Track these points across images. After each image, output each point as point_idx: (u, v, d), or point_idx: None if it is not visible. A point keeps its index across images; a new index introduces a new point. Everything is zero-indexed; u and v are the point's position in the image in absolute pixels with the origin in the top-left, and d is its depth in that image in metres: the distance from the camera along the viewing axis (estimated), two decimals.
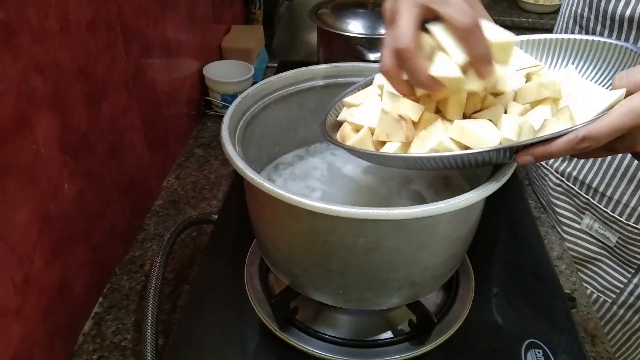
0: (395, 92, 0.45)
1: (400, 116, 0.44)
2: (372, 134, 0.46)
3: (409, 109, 0.45)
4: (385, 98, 0.46)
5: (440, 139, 0.41)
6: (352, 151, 0.46)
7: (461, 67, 0.40)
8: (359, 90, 0.52)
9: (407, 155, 0.43)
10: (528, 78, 0.47)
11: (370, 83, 0.53)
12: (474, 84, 0.42)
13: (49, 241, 0.53)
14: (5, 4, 0.44)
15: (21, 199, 0.48)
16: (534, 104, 0.44)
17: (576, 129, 0.38)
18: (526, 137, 0.40)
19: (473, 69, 0.41)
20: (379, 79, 0.51)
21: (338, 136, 0.49)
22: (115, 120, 0.67)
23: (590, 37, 0.49)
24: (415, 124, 0.45)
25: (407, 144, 0.45)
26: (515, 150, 0.39)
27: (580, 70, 0.49)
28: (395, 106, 0.45)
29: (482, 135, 0.40)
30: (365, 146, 0.46)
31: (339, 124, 0.51)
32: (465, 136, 0.41)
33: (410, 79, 0.42)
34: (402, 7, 0.41)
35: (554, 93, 0.43)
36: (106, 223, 0.66)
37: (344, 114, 0.51)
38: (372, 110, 0.47)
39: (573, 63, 0.50)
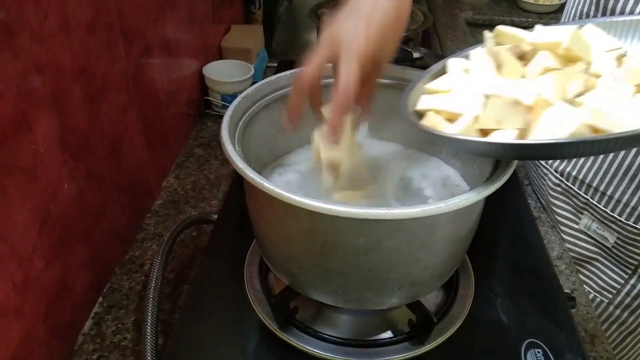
0: (503, 77, 0.44)
1: (515, 100, 0.41)
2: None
3: (523, 92, 0.41)
4: (489, 82, 0.44)
5: (579, 123, 0.38)
6: (464, 142, 0.41)
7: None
8: (430, 79, 0.49)
9: (548, 142, 0.38)
10: (618, 61, 0.45)
11: (441, 71, 0.49)
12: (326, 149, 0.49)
13: (48, 241, 0.53)
14: (5, 4, 0.44)
15: (21, 199, 0.48)
16: None
17: None
18: None
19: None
20: (456, 63, 0.48)
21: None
22: (115, 120, 0.67)
23: None
24: (529, 109, 0.42)
25: (524, 131, 0.41)
26: None
27: None
28: (506, 90, 0.42)
29: (620, 118, 0.38)
30: (469, 135, 0.42)
31: (417, 114, 0.47)
32: (603, 119, 0.38)
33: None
34: (320, 43, 0.46)
35: None
36: (106, 223, 0.66)
37: (427, 103, 0.46)
38: (468, 97, 0.44)
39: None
